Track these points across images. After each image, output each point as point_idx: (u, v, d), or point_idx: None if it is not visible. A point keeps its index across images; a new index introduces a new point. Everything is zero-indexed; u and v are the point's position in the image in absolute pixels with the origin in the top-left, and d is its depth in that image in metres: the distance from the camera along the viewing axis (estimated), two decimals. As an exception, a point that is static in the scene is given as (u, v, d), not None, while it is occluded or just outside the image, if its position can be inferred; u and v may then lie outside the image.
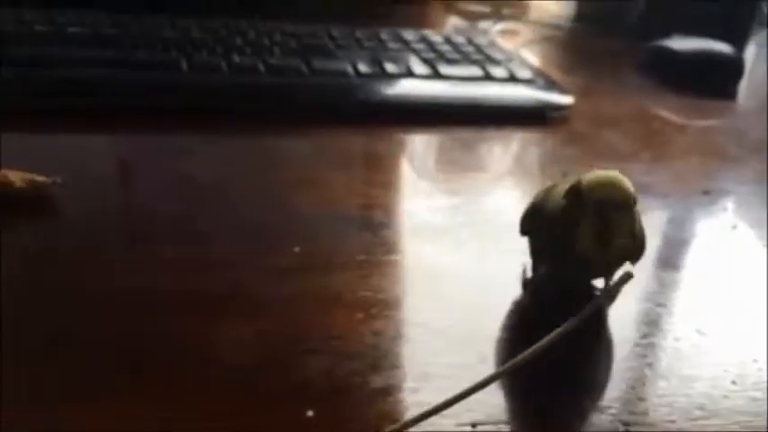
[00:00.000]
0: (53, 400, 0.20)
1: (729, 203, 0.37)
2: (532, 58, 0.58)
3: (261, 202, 0.32)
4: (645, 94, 0.52)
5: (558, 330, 0.22)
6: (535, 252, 0.27)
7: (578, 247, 0.23)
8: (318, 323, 0.25)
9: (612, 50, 0.62)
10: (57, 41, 0.42)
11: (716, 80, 0.55)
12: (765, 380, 0.24)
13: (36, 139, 0.35)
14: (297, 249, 0.28)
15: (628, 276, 0.24)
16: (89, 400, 0.21)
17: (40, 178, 0.30)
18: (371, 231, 0.31)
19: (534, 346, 0.21)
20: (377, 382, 0.22)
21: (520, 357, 0.21)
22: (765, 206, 0.36)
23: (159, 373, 0.22)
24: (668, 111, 0.50)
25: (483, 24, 0.69)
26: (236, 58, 0.43)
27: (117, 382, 0.21)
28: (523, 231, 0.27)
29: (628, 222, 0.24)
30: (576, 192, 0.24)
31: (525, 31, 0.69)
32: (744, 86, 0.57)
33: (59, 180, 0.30)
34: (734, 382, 0.24)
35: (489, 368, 0.23)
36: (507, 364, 0.21)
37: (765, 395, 0.24)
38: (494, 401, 0.22)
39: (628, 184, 0.24)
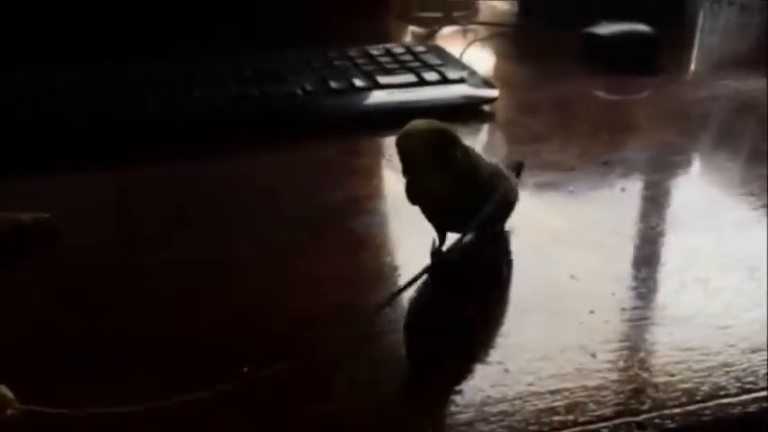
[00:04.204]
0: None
1: (623, 169, 0.42)
2: (479, 56, 0.64)
3: (221, 212, 0.38)
4: (572, 80, 0.58)
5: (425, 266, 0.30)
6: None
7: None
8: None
9: (550, 42, 0.68)
10: (44, 95, 0.48)
11: (637, 59, 0.60)
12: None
13: (31, 182, 0.41)
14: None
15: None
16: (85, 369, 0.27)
17: (44, 215, 0.36)
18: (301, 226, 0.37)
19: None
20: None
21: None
22: (654, 169, 0.42)
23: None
24: (590, 92, 0.55)
25: (436, 30, 0.75)
26: (198, 92, 0.49)
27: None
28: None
29: None
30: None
31: (475, 33, 0.74)
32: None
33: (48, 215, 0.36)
34: (592, 312, 0.30)
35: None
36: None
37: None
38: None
39: None
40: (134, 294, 0.32)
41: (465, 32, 0.74)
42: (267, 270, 0.33)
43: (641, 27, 0.62)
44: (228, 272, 0.33)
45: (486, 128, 0.49)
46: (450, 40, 0.70)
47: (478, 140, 0.49)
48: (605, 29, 0.62)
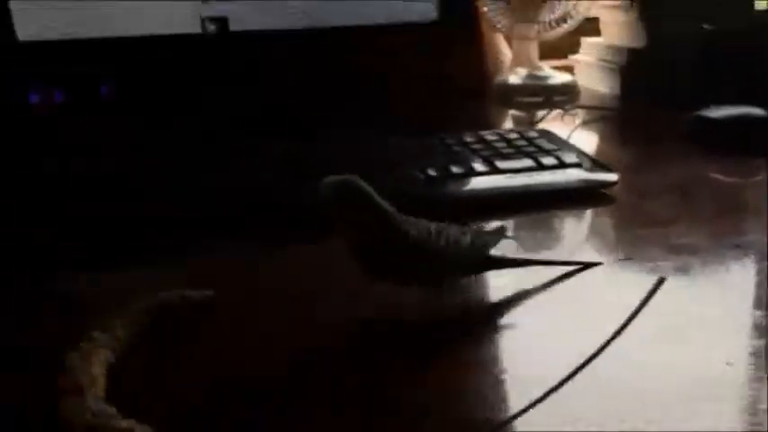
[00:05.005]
0: None
1: (756, 254, 0.42)
2: (586, 139, 0.66)
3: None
4: (685, 162, 0.58)
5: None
6: None
7: None
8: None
9: (654, 125, 0.69)
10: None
11: (751, 142, 0.60)
12: None
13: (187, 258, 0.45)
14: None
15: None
16: None
17: (194, 293, 0.38)
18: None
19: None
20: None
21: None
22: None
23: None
24: (707, 175, 0.56)
25: (539, 114, 0.77)
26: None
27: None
28: None
29: None
30: None
31: (575, 116, 0.76)
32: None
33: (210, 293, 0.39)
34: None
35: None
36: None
37: None
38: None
39: None
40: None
41: (565, 116, 0.76)
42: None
43: (755, 110, 0.62)
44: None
45: (607, 212, 0.50)
46: (551, 123, 0.72)
47: (599, 225, 0.50)
48: (718, 112, 0.63)
